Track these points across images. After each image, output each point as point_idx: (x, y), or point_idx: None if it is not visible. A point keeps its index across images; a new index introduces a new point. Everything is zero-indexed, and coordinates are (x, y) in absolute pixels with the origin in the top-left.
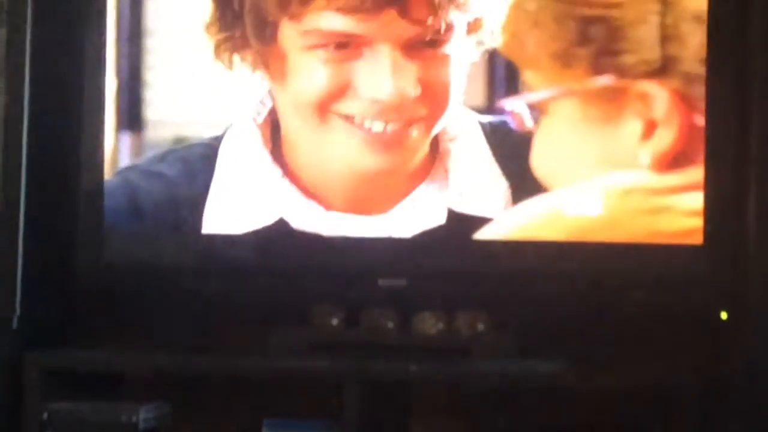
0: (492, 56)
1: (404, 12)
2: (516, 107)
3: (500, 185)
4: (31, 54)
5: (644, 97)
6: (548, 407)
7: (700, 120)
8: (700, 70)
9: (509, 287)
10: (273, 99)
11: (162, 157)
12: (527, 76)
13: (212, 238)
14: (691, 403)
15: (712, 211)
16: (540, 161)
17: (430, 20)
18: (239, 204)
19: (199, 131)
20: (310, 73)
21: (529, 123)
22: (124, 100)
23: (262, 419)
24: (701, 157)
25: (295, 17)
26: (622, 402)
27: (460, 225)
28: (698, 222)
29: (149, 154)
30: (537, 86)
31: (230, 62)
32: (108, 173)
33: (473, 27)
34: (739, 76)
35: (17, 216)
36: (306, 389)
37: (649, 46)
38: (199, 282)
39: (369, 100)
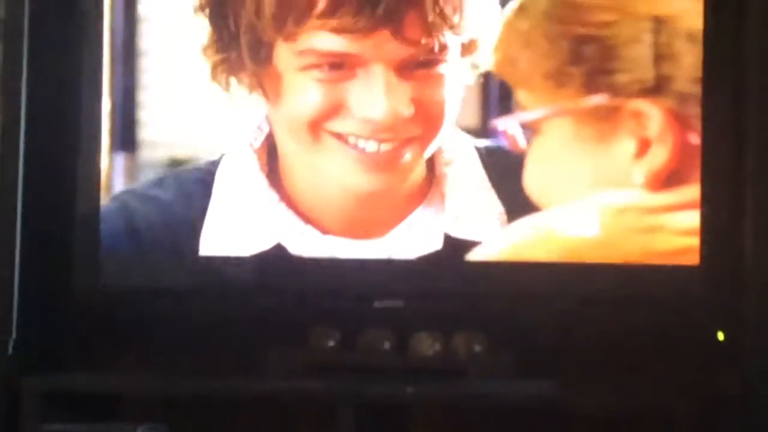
0: (487, 78)
1: (398, 32)
2: (509, 127)
3: (496, 210)
4: (27, 76)
5: (638, 116)
6: (545, 428)
7: (694, 138)
8: (694, 88)
9: (505, 308)
10: (270, 124)
11: (159, 182)
12: (520, 95)
13: (209, 261)
14: (688, 424)
15: (708, 231)
16: (533, 181)
17: (423, 40)
18: (236, 229)
19: (196, 153)
20: (304, 93)
21: (522, 143)
22: (119, 121)
23: None
24: (695, 175)
25: (289, 38)
26: (618, 422)
27: (456, 248)
28: (693, 241)
29: (144, 175)
30: (530, 106)
31: (227, 84)
32: (102, 194)
33: (468, 49)
34: (734, 93)
35: (14, 239)
36: (303, 410)
37: (643, 65)
38: (195, 305)
39: (362, 120)
